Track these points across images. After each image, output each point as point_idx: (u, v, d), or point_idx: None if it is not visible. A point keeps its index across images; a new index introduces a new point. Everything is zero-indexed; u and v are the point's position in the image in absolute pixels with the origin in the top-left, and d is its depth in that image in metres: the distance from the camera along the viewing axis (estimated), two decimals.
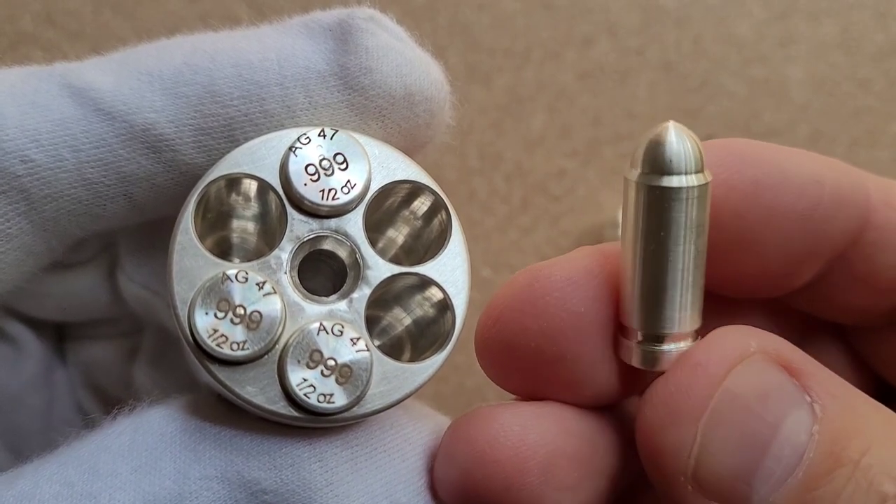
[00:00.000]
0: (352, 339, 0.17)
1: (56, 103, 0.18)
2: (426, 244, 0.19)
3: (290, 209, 0.17)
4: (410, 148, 0.19)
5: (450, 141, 0.21)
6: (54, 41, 0.43)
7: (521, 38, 0.44)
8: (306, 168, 0.17)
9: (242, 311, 0.17)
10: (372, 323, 0.18)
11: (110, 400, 0.20)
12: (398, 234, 0.20)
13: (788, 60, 0.45)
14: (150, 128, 0.18)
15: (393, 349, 0.19)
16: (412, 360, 0.18)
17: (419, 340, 0.19)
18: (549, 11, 0.44)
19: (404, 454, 0.18)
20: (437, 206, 0.18)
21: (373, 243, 0.18)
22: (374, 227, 0.19)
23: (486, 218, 0.43)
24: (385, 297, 0.19)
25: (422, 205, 0.19)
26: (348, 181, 0.17)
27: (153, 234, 0.21)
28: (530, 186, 0.43)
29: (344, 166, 0.17)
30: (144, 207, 0.19)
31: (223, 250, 0.19)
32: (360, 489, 0.17)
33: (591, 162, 0.43)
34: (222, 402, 0.18)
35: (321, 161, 0.17)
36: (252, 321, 0.17)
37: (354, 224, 0.18)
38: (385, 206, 0.19)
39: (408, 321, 0.19)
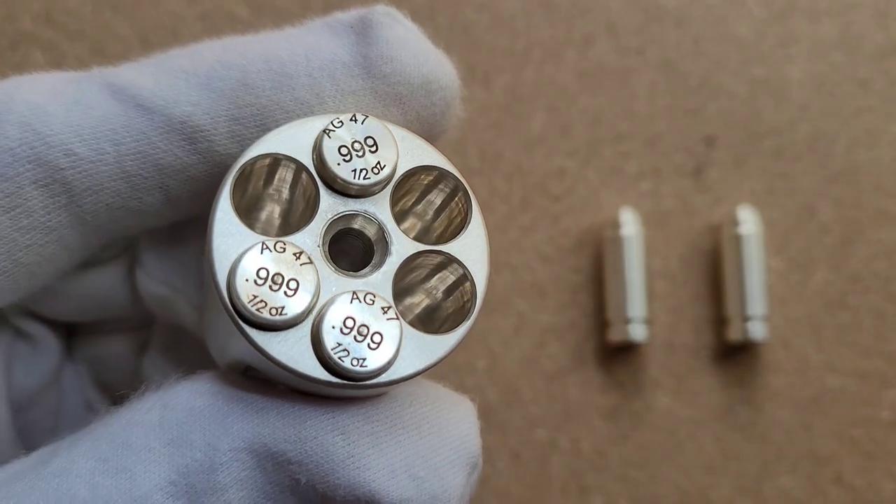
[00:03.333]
0: (383, 308, 0.18)
1: (98, 101, 0.19)
2: (447, 225, 0.21)
3: (322, 188, 0.19)
4: (427, 138, 0.20)
5: (451, 140, 0.22)
6: (54, 41, 0.43)
7: (521, 38, 0.44)
8: (339, 149, 0.18)
9: (280, 279, 0.18)
10: (398, 297, 0.19)
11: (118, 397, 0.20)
12: (420, 218, 0.21)
13: (788, 60, 0.45)
14: (188, 119, 0.19)
15: (418, 322, 0.20)
16: (436, 332, 0.19)
17: (441, 314, 0.20)
18: (549, 11, 0.44)
19: (422, 431, 0.19)
20: (458, 191, 0.20)
21: (399, 223, 0.19)
22: (400, 211, 0.20)
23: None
24: (410, 273, 0.20)
25: (444, 189, 0.20)
26: (378, 162, 0.19)
27: (177, 230, 0.22)
28: (530, 186, 0.43)
29: (374, 149, 0.19)
30: (178, 202, 0.20)
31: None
32: (381, 463, 0.18)
33: (591, 162, 0.43)
34: (247, 378, 0.19)
35: (353, 143, 0.19)
36: (289, 289, 0.18)
37: (382, 204, 0.19)
38: (409, 189, 0.20)
39: (430, 297, 0.20)
